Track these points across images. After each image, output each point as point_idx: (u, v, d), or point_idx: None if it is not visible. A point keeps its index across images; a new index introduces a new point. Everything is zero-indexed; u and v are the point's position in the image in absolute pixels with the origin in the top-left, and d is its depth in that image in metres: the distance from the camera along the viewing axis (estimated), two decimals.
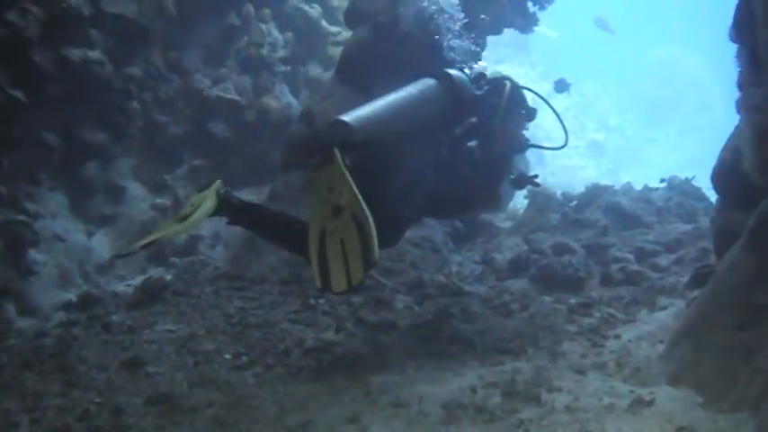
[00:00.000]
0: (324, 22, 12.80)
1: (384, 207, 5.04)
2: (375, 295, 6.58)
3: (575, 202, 9.89)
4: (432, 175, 5.64)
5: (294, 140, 7.92)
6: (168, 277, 7.77)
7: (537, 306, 6.40)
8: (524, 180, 6.42)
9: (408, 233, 7.07)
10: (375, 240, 4.53)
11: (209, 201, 5.10)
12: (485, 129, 5.89)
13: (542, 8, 9.27)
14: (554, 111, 6.58)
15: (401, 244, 7.25)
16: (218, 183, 5.26)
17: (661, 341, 5.13)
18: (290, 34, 12.10)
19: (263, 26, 11.62)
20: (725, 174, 5.22)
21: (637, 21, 52.11)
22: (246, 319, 6.07)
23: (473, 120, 5.87)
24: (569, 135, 6.57)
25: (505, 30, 9.56)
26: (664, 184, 10.59)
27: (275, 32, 11.90)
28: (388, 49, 7.94)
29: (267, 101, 11.13)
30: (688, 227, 8.53)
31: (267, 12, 11.70)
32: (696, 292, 5.57)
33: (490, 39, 9.05)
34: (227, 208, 5.26)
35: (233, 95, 10.91)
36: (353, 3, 8.56)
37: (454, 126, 5.83)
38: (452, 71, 6.02)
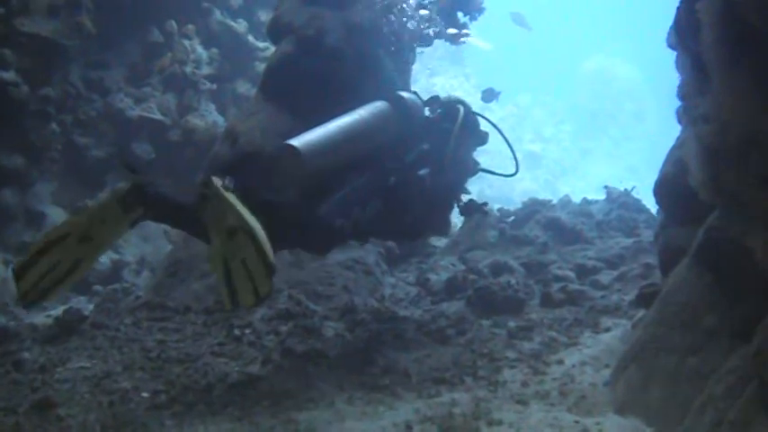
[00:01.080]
0: (251, 38, 12.53)
1: (315, 218, 5.21)
2: (303, 323, 6.23)
3: (512, 218, 9.72)
4: (377, 199, 5.51)
5: (217, 161, 7.55)
6: (91, 306, 7.48)
7: (475, 331, 6.11)
8: (473, 208, 6.32)
9: (339, 255, 7.00)
10: (268, 245, 4.36)
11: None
12: (436, 156, 5.80)
13: (473, 18, 9.00)
14: (505, 139, 6.42)
15: (332, 267, 7.17)
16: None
17: (607, 366, 4.92)
18: (215, 50, 11.80)
19: (187, 42, 11.29)
20: (668, 188, 5.02)
21: (570, 31, 52.60)
22: (167, 353, 5.69)
23: (425, 146, 5.80)
24: (518, 162, 6.57)
25: (437, 42, 9.35)
26: (603, 196, 10.44)
27: (199, 49, 11.61)
28: (313, 64, 7.65)
29: (192, 120, 10.87)
30: (629, 241, 8.40)
31: (191, 27, 11.44)
32: (641, 313, 5.37)
33: (424, 50, 8.83)
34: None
35: (156, 115, 10.56)
36: (276, 16, 8.22)
37: (405, 152, 5.74)
38: (405, 94, 5.96)
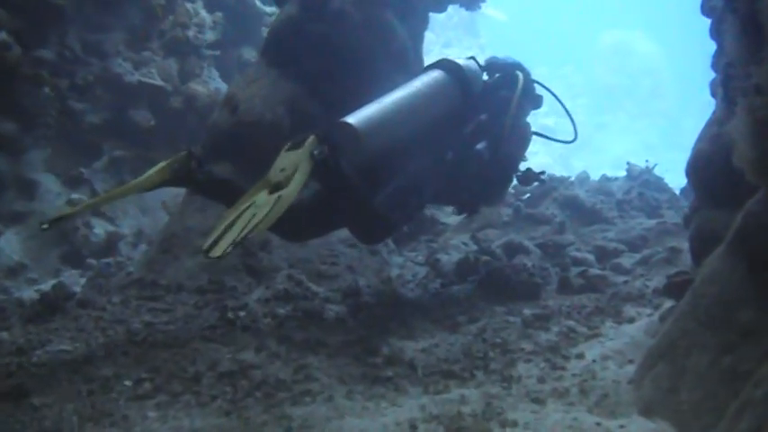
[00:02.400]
0: (257, 2, 12.11)
1: (370, 207, 5.11)
2: (303, 305, 5.86)
3: (527, 195, 9.32)
4: (434, 181, 5.44)
5: (216, 130, 7.17)
6: (83, 281, 7.27)
7: (487, 318, 5.70)
8: (531, 177, 6.25)
9: (343, 232, 6.47)
10: (273, 221, 4.35)
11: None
12: (495, 126, 5.65)
13: None
14: (563, 105, 6.42)
15: (335, 245, 6.85)
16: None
17: (631, 361, 4.51)
18: (219, 14, 11.37)
19: (190, 6, 10.88)
20: (704, 166, 4.62)
21: (589, 4, 52.13)
22: (154, 337, 5.27)
23: (483, 117, 5.63)
24: (576, 129, 6.58)
25: (451, 9, 8.96)
26: (621, 173, 10.17)
27: (203, 12, 11.18)
28: (318, 28, 7.29)
29: (194, 86, 10.53)
30: (652, 222, 8.03)
31: None
32: (669, 303, 5.01)
33: (437, 20, 8.45)
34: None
35: (156, 81, 10.24)
36: None
37: (462, 124, 5.58)
38: (462, 61, 5.71)
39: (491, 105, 5.80)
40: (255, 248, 6.66)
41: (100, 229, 9.16)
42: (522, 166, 6.32)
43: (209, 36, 11.26)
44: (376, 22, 7.26)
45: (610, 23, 47.13)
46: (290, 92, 7.23)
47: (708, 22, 5.22)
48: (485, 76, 6.09)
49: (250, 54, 11.87)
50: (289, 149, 4.87)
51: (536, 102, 6.32)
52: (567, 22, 41.03)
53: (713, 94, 5.16)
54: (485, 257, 7.05)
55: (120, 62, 10.16)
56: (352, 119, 5.03)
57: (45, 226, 4.84)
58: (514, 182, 6.69)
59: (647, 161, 9.95)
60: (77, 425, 4.02)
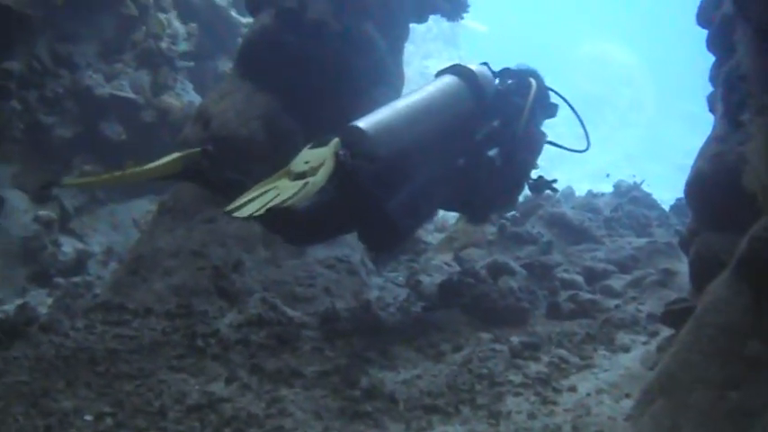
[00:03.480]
0: (233, 12, 11.86)
1: (383, 214, 5.05)
2: (277, 331, 5.59)
3: (512, 213, 9.01)
4: (445, 188, 5.57)
5: (187, 146, 6.91)
6: (50, 301, 7.11)
7: (472, 346, 5.43)
8: (543, 185, 6.25)
9: (321, 252, 6.58)
10: (295, 202, 4.31)
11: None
12: (507, 133, 5.68)
13: None
14: (575, 113, 6.50)
15: (312, 266, 6.66)
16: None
17: (627, 395, 4.30)
18: (193, 25, 11.15)
19: (163, 16, 10.63)
20: (705, 187, 4.50)
21: (568, 14, 52.40)
22: (117, 367, 4.98)
23: (495, 123, 5.65)
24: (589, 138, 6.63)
25: (431, 21, 8.78)
26: (611, 180, 10.18)
27: (176, 23, 10.96)
28: (295, 38, 7.07)
29: (167, 99, 10.28)
30: (642, 241, 7.87)
31: (168, 0, 10.65)
32: (666, 332, 4.88)
33: (417, 32, 8.24)
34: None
35: (128, 93, 9.99)
36: None
37: (474, 130, 5.66)
38: (475, 67, 5.80)
39: (504, 112, 5.81)
40: (227, 270, 6.40)
41: (69, 246, 8.94)
42: (534, 174, 6.34)
43: (183, 47, 11.05)
44: (355, 33, 7.06)
45: (588, 34, 47.47)
46: (266, 106, 7.02)
47: (704, 32, 5.14)
48: (497, 83, 6.09)
49: (226, 66, 11.63)
50: (312, 147, 4.87)
51: (551, 110, 6.38)
52: (545, 33, 41.32)
53: (711, 110, 5.04)
54: (468, 279, 6.72)
55: (91, 74, 9.94)
56: (363, 123, 5.03)
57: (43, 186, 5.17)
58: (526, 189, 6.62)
59: (633, 176, 9.82)
60: None
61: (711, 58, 5.11)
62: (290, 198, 4.24)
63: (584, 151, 6.57)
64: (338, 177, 4.68)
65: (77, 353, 5.28)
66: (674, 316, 4.65)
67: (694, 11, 5.23)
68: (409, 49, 8.76)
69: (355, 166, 4.77)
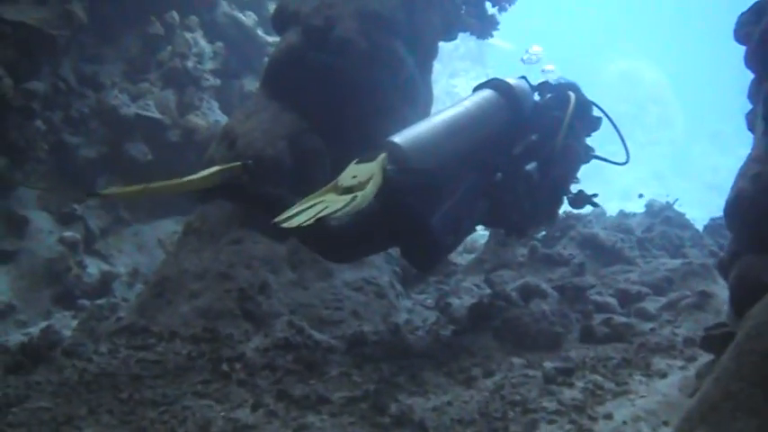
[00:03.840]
0: (260, 31, 11.78)
1: (426, 230, 5.08)
2: (304, 356, 5.46)
3: (543, 233, 8.92)
4: (483, 203, 5.55)
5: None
6: (74, 323, 7.01)
7: (504, 372, 5.27)
8: (583, 199, 6.24)
9: (348, 275, 6.47)
10: (344, 212, 4.30)
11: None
12: (546, 147, 5.65)
13: (502, 9, 8.24)
14: (614, 125, 6.47)
15: (340, 288, 6.54)
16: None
17: (666, 423, 4.13)
18: (220, 44, 11.08)
19: (189, 35, 10.57)
20: (747, 208, 4.30)
21: (596, 32, 52.31)
22: (141, 393, 4.87)
23: (533, 137, 5.62)
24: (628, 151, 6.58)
25: (459, 39, 8.67)
26: (642, 201, 9.98)
27: (202, 42, 10.88)
28: (321, 57, 7.00)
29: (193, 119, 10.19)
30: (677, 262, 7.63)
31: (194, 19, 10.70)
32: (705, 357, 4.74)
33: (444, 50, 8.14)
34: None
35: (154, 113, 9.94)
36: (282, 3, 7.61)
37: (512, 145, 5.66)
38: (514, 81, 5.82)
39: (542, 126, 5.76)
40: (254, 292, 6.28)
41: (94, 268, 8.88)
42: (574, 188, 6.32)
43: (209, 66, 10.99)
44: (383, 51, 6.96)
45: (617, 52, 47.36)
46: (292, 125, 6.93)
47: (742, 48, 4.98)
48: (536, 97, 6.10)
49: (252, 85, 11.53)
50: (359, 162, 4.85)
51: (594, 124, 6.35)
52: (572, 51, 41.01)
53: (750, 128, 4.86)
54: (499, 302, 6.64)
55: (116, 94, 9.91)
56: (399, 138, 5.04)
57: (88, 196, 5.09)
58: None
59: (667, 196, 9.66)
60: None
61: (739, 76, 5.00)
62: (338, 210, 4.23)
63: (624, 163, 6.53)
64: (383, 192, 4.66)
65: (100, 378, 5.18)
66: (714, 341, 4.49)
67: (720, 28, 5.14)
68: (436, 67, 8.66)
69: (400, 182, 4.86)
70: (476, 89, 5.94)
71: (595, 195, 6.35)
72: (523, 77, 6.02)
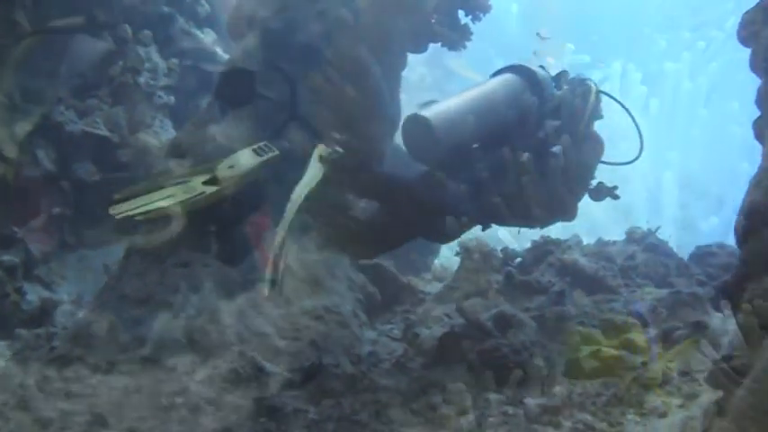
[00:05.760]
0: (219, 50, 11.36)
1: (444, 200, 5.39)
2: (254, 391, 5.15)
3: (519, 260, 8.59)
4: (510, 185, 5.51)
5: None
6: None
7: (480, 410, 4.86)
8: (604, 191, 6.12)
9: (308, 302, 6.22)
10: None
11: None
12: (567, 133, 5.61)
13: (476, 19, 7.83)
14: (632, 118, 6.40)
15: (298, 316, 6.21)
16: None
17: None
18: (174, 61, 10.68)
19: (142, 50, 10.14)
20: (761, 222, 3.85)
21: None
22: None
23: (555, 123, 5.67)
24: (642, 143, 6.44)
25: (426, 68, 8.36)
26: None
27: (156, 57, 10.45)
28: (281, 64, 6.81)
29: (144, 137, 9.74)
30: (663, 291, 7.24)
31: (147, 33, 10.25)
32: (710, 393, 4.29)
33: (409, 81, 7.82)
34: None
35: (102, 131, 9.53)
36: (237, 6, 7.37)
37: (534, 130, 5.65)
38: (534, 67, 5.87)
39: (564, 114, 5.74)
40: (202, 320, 5.86)
41: (33, 294, 8.32)
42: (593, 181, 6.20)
43: (164, 83, 10.50)
44: (346, 58, 6.46)
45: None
46: (248, 136, 6.59)
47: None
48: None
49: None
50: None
51: (599, 113, 6.23)
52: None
53: (758, 137, 4.50)
54: (473, 332, 6.23)
55: (62, 110, 9.41)
56: (427, 112, 5.12)
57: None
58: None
59: (646, 222, 9.42)
60: None
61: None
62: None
63: (635, 160, 6.43)
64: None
65: (21, 413, 4.83)
66: (723, 376, 4.00)
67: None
68: (402, 98, 8.28)
69: (425, 154, 5.21)
70: (495, 74, 5.96)
71: (615, 188, 6.17)
72: (542, 66, 6.02)
